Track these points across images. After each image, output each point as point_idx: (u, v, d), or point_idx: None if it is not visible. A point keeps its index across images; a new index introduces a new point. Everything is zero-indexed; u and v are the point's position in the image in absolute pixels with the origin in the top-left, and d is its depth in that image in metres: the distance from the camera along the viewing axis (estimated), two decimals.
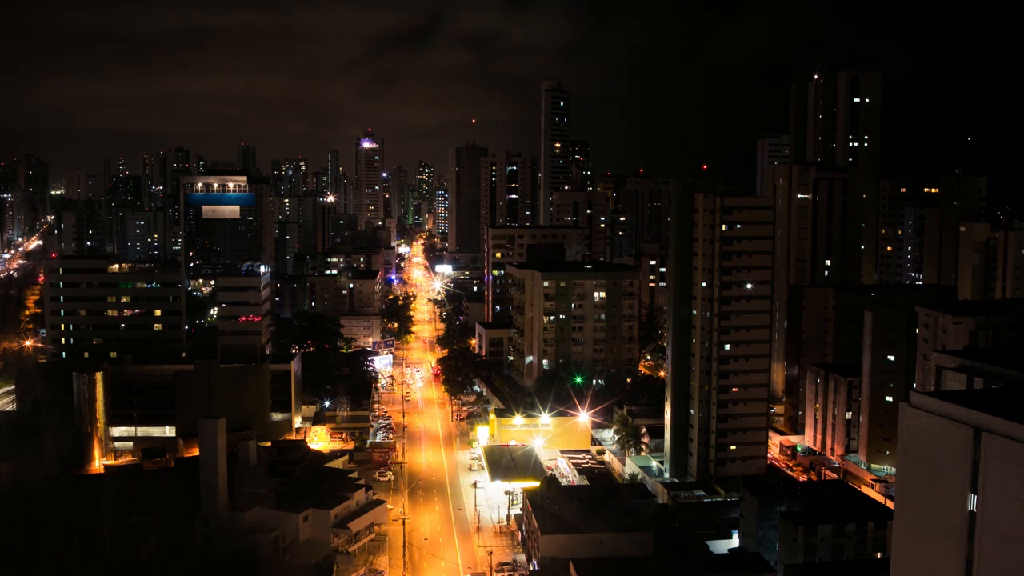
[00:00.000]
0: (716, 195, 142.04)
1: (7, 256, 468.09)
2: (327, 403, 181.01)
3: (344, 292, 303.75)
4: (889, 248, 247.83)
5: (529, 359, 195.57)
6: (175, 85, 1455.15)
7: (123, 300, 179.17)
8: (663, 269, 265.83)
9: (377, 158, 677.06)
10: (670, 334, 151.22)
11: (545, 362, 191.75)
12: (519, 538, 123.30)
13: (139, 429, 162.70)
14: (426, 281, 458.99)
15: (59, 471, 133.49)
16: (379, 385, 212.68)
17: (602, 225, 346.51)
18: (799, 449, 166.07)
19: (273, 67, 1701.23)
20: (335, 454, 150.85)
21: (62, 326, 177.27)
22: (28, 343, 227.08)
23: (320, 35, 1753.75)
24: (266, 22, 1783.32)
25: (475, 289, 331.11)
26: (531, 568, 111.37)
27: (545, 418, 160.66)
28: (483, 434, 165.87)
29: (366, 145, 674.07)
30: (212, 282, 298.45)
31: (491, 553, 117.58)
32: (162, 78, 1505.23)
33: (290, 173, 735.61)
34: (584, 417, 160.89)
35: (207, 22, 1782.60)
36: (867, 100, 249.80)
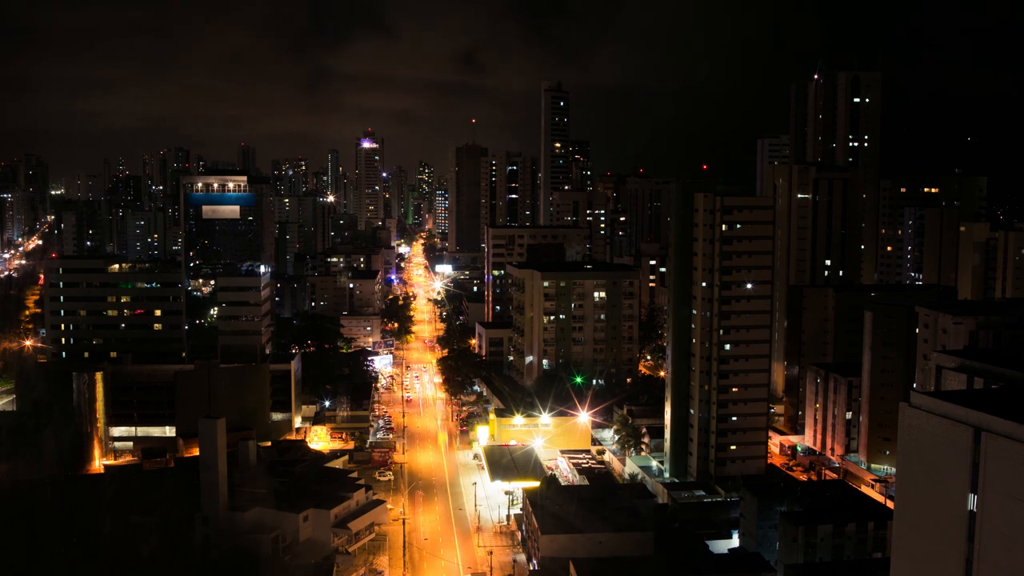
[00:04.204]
0: (716, 195, 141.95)
1: (7, 256, 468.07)
2: (327, 403, 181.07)
3: (344, 292, 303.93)
4: (889, 248, 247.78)
5: (529, 359, 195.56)
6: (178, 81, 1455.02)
7: (123, 300, 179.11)
8: (663, 269, 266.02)
9: (377, 158, 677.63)
10: (670, 334, 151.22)
11: (545, 362, 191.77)
12: (519, 538, 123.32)
13: (139, 429, 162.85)
14: (426, 281, 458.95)
15: (59, 471, 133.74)
16: (379, 385, 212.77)
17: (602, 225, 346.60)
18: (799, 449, 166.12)
19: (275, 68, 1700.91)
20: (335, 454, 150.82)
21: (62, 326, 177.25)
22: (28, 343, 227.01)
23: (320, 35, 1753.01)
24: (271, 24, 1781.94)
25: (475, 289, 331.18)
26: (531, 568, 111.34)
27: (545, 418, 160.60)
28: (483, 434, 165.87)
29: (366, 145, 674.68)
30: (212, 282, 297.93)
31: (491, 553, 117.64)
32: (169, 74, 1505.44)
33: (290, 173, 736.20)
34: (584, 417, 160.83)
35: (205, 23, 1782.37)
36: (867, 100, 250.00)
